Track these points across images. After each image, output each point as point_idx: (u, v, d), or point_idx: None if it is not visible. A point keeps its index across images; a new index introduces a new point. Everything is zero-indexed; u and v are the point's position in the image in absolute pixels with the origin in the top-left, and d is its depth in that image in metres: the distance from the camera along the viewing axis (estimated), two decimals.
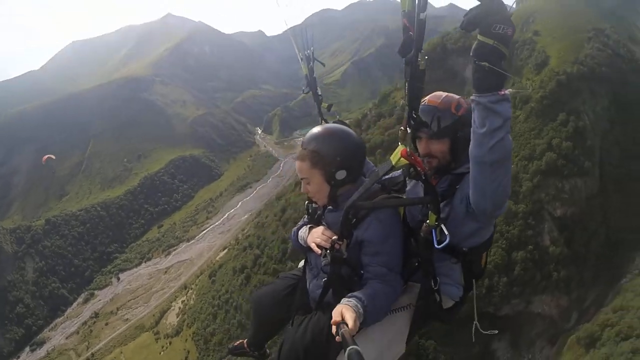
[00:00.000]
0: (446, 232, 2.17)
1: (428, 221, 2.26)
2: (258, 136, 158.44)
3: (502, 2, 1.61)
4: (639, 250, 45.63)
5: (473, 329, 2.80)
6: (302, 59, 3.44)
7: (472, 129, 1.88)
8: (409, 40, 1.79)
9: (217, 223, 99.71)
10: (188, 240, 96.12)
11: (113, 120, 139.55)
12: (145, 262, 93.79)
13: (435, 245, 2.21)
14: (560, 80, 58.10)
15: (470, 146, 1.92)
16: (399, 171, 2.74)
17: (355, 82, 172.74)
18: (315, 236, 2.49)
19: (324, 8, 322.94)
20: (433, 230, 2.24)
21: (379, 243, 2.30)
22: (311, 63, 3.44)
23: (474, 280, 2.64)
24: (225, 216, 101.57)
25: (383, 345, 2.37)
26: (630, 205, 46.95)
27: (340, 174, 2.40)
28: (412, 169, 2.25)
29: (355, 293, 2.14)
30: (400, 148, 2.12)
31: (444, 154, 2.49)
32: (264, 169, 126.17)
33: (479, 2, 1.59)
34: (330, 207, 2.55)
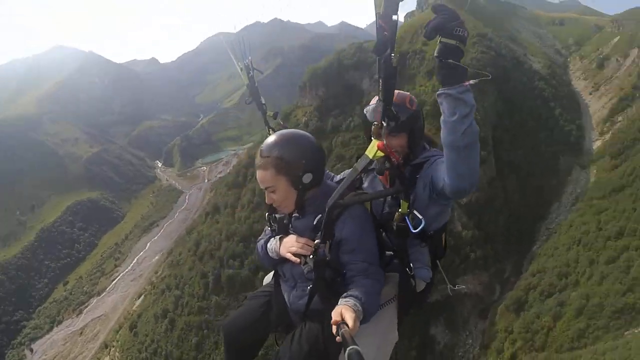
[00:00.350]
0: (420, 217, 2.36)
1: (400, 210, 2.42)
2: (159, 170, 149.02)
3: (456, 12, 1.84)
4: (542, 219, 52.32)
5: (448, 289, 3.26)
6: (241, 69, 3.42)
7: (442, 120, 2.03)
8: (384, 40, 1.87)
9: (127, 270, 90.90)
10: (99, 294, 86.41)
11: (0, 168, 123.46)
12: (56, 325, 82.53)
13: (412, 230, 2.37)
14: None
15: (442, 135, 2.06)
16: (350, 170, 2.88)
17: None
18: (289, 245, 2.43)
19: (218, 32, 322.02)
20: (406, 218, 2.40)
21: (357, 240, 2.31)
22: (251, 72, 3.44)
23: (437, 261, 2.91)
24: (135, 261, 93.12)
25: (380, 337, 2.48)
26: (525, 182, 53.79)
27: (307, 177, 2.34)
28: (386, 162, 2.30)
29: (350, 292, 2.13)
30: (376, 142, 2.21)
31: (403, 148, 2.68)
32: (169, 203, 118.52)
33: (436, 15, 1.82)
34: (296, 214, 2.49)
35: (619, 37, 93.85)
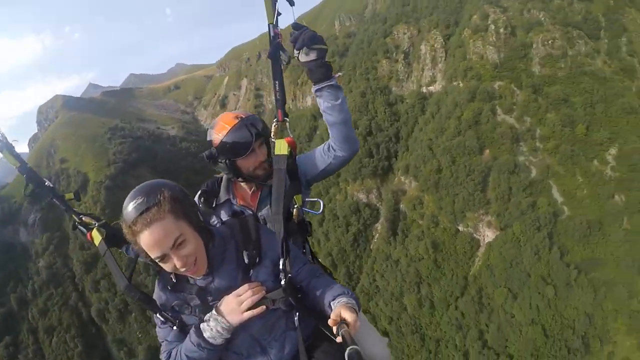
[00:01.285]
0: (318, 199, 2.66)
1: (296, 204, 2.48)
2: None
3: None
4: None
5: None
6: (1, 152, 2.50)
7: (328, 107, 2.40)
8: (279, 45, 2.20)
9: None
10: None
11: None
12: None
13: (317, 213, 2.65)
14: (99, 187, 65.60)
15: (332, 117, 2.44)
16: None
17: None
18: (237, 304, 1.97)
19: None
20: (304, 209, 2.55)
21: (292, 248, 2.15)
22: (14, 150, 2.55)
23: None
24: None
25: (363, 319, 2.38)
26: None
27: (199, 215, 1.99)
28: (290, 159, 2.28)
29: (337, 292, 2.02)
30: (283, 140, 2.27)
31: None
32: None
33: (302, 30, 2.20)
34: (207, 277, 2.02)
35: (227, 77, 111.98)
